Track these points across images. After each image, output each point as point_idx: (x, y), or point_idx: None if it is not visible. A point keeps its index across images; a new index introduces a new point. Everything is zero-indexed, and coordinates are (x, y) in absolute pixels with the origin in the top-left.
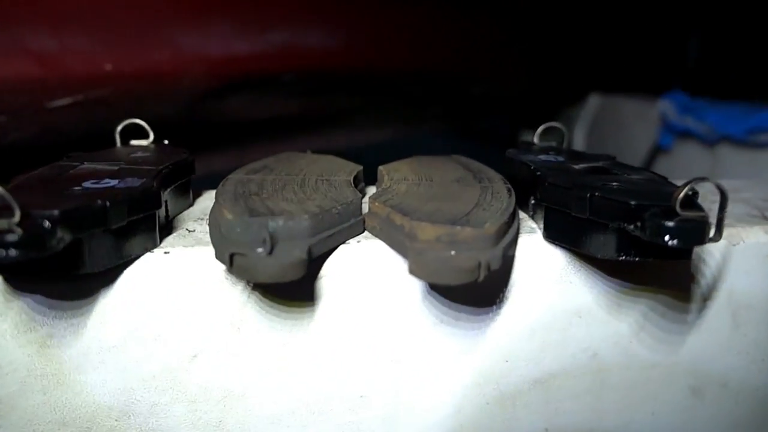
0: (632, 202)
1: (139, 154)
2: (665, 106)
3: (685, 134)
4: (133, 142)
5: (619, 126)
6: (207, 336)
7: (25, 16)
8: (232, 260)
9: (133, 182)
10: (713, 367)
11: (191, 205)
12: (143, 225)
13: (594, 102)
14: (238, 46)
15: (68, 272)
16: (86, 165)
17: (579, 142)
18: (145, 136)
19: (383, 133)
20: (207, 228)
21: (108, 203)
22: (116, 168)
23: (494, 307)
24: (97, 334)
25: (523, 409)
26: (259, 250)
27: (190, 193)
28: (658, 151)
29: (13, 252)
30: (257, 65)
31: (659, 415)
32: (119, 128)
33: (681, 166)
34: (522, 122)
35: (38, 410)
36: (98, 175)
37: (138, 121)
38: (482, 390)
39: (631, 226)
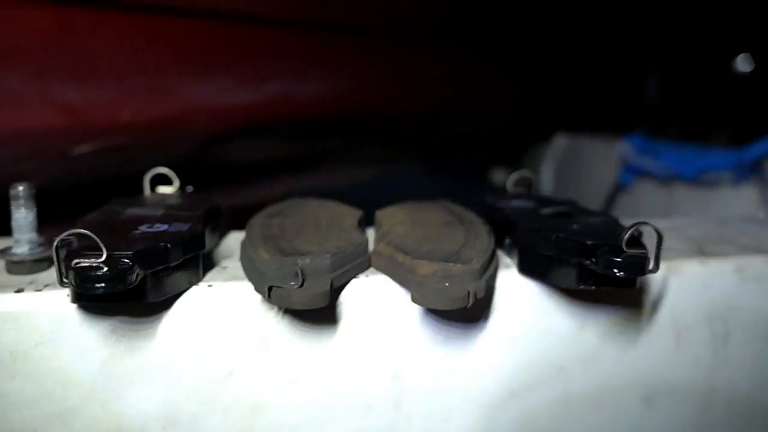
0: (588, 242)
1: (173, 200)
2: (625, 147)
3: (643, 173)
4: (161, 189)
5: (583, 164)
6: (241, 355)
7: (53, 70)
8: (270, 292)
9: (182, 227)
10: (662, 377)
11: (218, 244)
12: (191, 263)
13: (560, 141)
14: (239, 96)
15: (134, 302)
16: (131, 210)
17: (547, 178)
18: (167, 182)
19: (365, 172)
20: (239, 264)
21: (169, 245)
22: (159, 214)
23: (479, 330)
24: (151, 354)
25: (503, 417)
26: (292, 283)
27: (217, 234)
28: (618, 188)
29: (100, 285)
30: (255, 113)
31: (616, 421)
32: (148, 177)
33: (639, 203)
34: (494, 158)
35: (97, 420)
36: (149, 221)
37: (164, 170)
38: (470, 400)
39: (588, 261)
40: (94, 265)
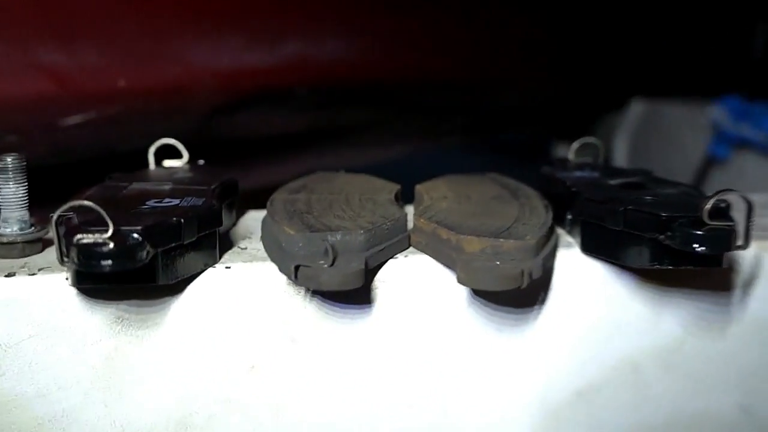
0: (664, 214)
1: (183, 174)
2: (718, 113)
3: (742, 143)
4: (167, 163)
5: (666, 135)
6: (264, 347)
7: (36, 31)
8: (296, 272)
9: (196, 201)
10: (763, 377)
11: (235, 224)
12: (206, 241)
13: (637, 108)
14: (249, 59)
15: (143, 284)
16: (136, 185)
17: (621, 153)
18: (173, 155)
19: (399, 150)
20: (259, 245)
21: (183, 220)
22: (168, 188)
23: (536, 318)
24: (161, 346)
25: (566, 422)
26: (321, 262)
27: (234, 212)
28: (711, 162)
29: (106, 263)
30: (269, 78)
31: None
32: (153, 148)
33: (737, 179)
34: (555, 133)
35: (99, 422)
36: (157, 195)
37: (172, 141)
38: (525, 402)
39: (662, 236)
40: (99, 241)
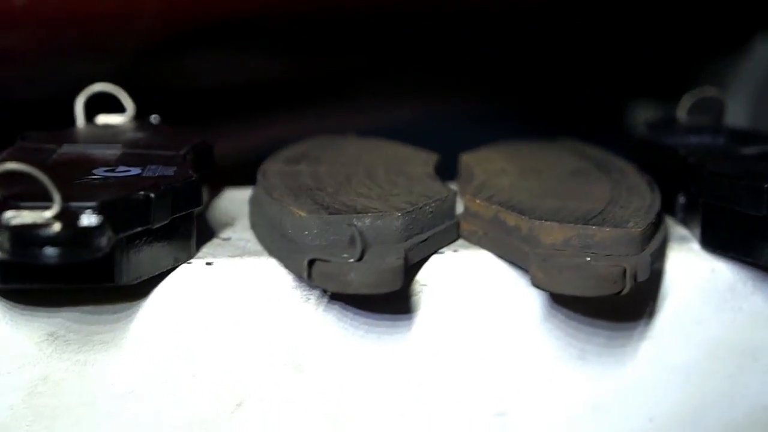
0: None
1: (132, 134)
2: None
3: None
4: (102, 119)
5: None
6: (257, 377)
7: None
8: (311, 269)
9: (165, 171)
10: None
11: (209, 205)
12: (181, 228)
13: (764, 49)
14: None
15: (95, 285)
16: (68, 148)
17: (741, 110)
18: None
19: (406, 110)
20: (248, 235)
21: (152, 195)
22: (118, 153)
23: (639, 338)
24: (112, 374)
25: None
26: (345, 255)
27: (208, 190)
28: None
29: (52, 252)
30: (228, 5)
31: None
32: (83, 97)
33: None
34: (633, 89)
35: None
36: (104, 162)
37: (109, 87)
38: None
39: None
40: (40, 221)
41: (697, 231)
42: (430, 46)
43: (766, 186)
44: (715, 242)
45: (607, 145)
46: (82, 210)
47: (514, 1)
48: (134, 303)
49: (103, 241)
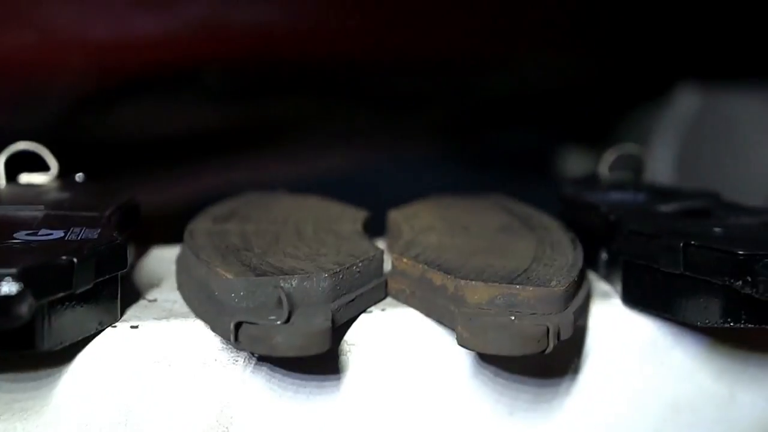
0: (741, 252)
1: (55, 194)
2: None
3: None
4: (25, 178)
5: (732, 136)
6: None
7: None
8: (237, 332)
9: (89, 233)
10: None
11: (134, 265)
12: (105, 291)
13: (686, 99)
14: (137, 25)
15: (14, 352)
16: None
17: (663, 164)
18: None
19: (348, 157)
20: (175, 296)
21: (75, 260)
22: (40, 214)
23: (564, 396)
24: None
25: None
26: (272, 317)
27: (133, 249)
28: None
29: None
30: (163, 54)
31: None
32: (4, 157)
33: None
34: (563, 135)
35: None
36: (25, 225)
37: (31, 145)
38: None
39: (740, 282)
40: None
41: (619, 287)
42: (363, 94)
43: (682, 244)
44: (636, 299)
45: (537, 192)
46: (1, 277)
47: (446, 52)
48: (57, 369)
49: (23, 308)
